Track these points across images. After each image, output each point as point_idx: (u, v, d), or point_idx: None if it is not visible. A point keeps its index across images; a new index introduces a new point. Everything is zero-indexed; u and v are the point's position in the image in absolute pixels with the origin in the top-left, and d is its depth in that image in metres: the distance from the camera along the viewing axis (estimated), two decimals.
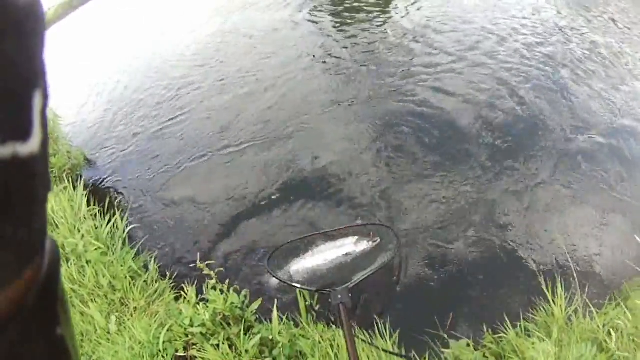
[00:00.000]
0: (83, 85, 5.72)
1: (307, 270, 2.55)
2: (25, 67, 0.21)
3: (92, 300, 2.64)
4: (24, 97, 0.21)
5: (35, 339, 0.24)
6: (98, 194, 3.40)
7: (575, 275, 2.53)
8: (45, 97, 0.23)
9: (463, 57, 4.61)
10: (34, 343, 0.24)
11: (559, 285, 2.42)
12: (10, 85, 0.20)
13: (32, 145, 0.22)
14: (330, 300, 1.98)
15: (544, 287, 2.44)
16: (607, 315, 2.40)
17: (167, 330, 2.32)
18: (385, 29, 5.33)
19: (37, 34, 0.22)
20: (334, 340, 2.15)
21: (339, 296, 1.94)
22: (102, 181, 3.69)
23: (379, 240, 2.61)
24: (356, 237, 2.65)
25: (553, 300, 2.39)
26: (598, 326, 2.29)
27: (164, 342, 2.30)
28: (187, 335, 2.29)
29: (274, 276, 2.40)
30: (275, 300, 2.37)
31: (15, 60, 0.20)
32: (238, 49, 5.40)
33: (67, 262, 2.75)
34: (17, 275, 0.22)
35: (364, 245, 2.62)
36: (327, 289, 2.13)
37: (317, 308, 2.45)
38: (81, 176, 3.66)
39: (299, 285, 2.31)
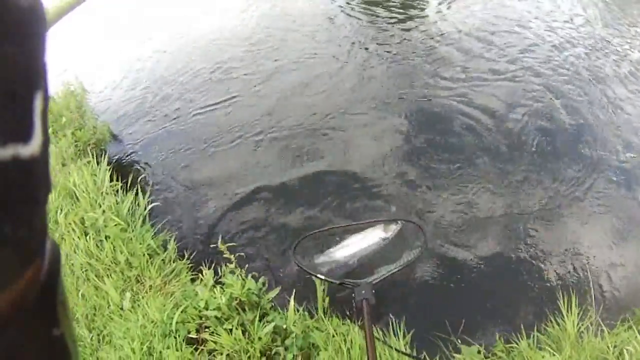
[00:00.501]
0: (121, 62, 5.70)
1: (332, 261, 2.56)
2: (26, 69, 0.21)
3: (107, 275, 2.67)
4: (25, 98, 0.21)
5: (35, 339, 0.25)
6: (121, 170, 3.43)
7: (592, 292, 2.52)
8: (45, 98, 0.23)
9: (506, 62, 4.58)
10: (34, 342, 0.25)
11: (573, 300, 2.40)
12: (11, 87, 0.20)
13: (32, 147, 0.22)
14: (353, 295, 1.97)
15: (559, 300, 2.44)
16: (618, 336, 2.38)
17: (182, 312, 2.34)
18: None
19: (38, 35, 0.22)
20: (347, 335, 2.15)
21: (363, 291, 1.92)
22: (127, 157, 3.71)
23: (403, 235, 2.60)
24: (382, 232, 2.65)
25: (566, 315, 2.38)
26: (608, 346, 2.27)
27: (177, 323, 2.32)
28: (200, 318, 2.31)
29: (299, 265, 2.39)
30: (293, 290, 2.38)
31: (16, 62, 0.20)
32: (285, 36, 5.36)
33: (86, 236, 2.79)
34: (18, 276, 0.22)
35: (390, 240, 2.62)
36: (352, 283, 2.12)
37: (333, 301, 2.45)
38: (105, 151, 3.69)
39: (323, 277, 2.29)
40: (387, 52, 4.79)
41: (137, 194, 3.03)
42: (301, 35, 5.29)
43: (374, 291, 1.97)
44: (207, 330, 2.30)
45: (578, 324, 2.39)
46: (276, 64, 4.71)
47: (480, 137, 3.65)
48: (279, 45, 5.06)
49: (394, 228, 2.70)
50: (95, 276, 2.68)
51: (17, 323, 0.23)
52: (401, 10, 5.69)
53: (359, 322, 2.22)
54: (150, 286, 2.57)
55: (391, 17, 5.55)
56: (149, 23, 6.65)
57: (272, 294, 2.28)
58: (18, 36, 0.20)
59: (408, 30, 5.24)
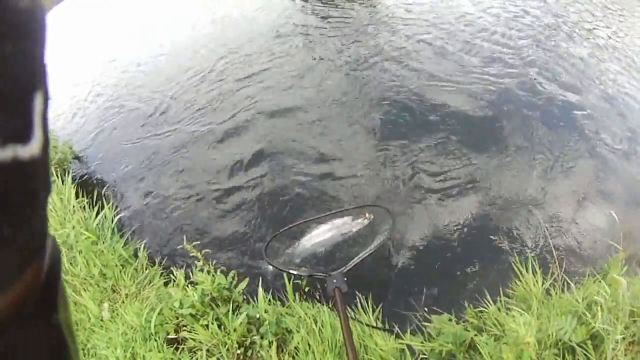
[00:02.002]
0: (79, 79, 5.67)
1: (303, 255, 2.62)
2: (25, 70, 0.21)
3: (84, 289, 2.70)
4: (24, 99, 0.21)
5: (35, 338, 0.25)
6: (86, 187, 3.45)
7: (553, 251, 2.61)
8: (45, 99, 0.23)
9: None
10: (34, 341, 0.25)
11: (533, 260, 2.49)
12: (10, 88, 0.20)
13: (32, 148, 0.22)
14: (325, 285, 2.02)
15: (521, 263, 2.52)
16: (586, 289, 2.45)
17: (158, 314, 2.38)
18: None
19: (38, 36, 0.22)
20: (318, 316, 2.22)
21: (334, 281, 1.97)
22: (90, 174, 3.74)
23: (372, 218, 2.66)
24: (350, 219, 2.71)
25: (529, 275, 2.47)
26: (577, 300, 2.35)
27: (155, 326, 2.36)
28: (177, 318, 2.36)
29: (271, 264, 2.43)
30: (260, 280, 2.44)
31: (15, 63, 0.20)
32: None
33: None
34: (18, 277, 0.22)
35: (359, 226, 2.68)
36: (322, 274, 2.17)
37: (302, 287, 2.52)
38: (68, 170, 3.67)
39: (295, 272, 2.35)
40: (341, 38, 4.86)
41: (103, 207, 3.06)
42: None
43: (346, 279, 2.03)
44: (185, 328, 2.35)
45: (543, 282, 2.47)
46: (234, 68, 4.75)
47: (435, 110, 3.76)
48: (244, 52, 5.10)
49: (363, 214, 2.76)
50: (73, 291, 2.70)
51: (18, 323, 0.22)
52: None
53: (333, 310, 2.28)
54: (126, 294, 2.60)
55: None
56: (110, 38, 6.62)
57: (242, 285, 2.34)
58: (17, 37, 0.20)
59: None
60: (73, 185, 3.30)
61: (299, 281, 2.51)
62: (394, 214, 2.72)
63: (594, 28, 5.14)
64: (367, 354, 2.12)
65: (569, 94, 3.99)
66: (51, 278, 0.25)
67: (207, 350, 2.24)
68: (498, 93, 3.93)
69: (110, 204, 3.15)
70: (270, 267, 2.64)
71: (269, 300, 2.39)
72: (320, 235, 2.72)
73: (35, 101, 0.22)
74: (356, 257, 2.30)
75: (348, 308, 2.34)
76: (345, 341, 1.61)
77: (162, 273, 2.73)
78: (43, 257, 0.24)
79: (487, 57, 4.44)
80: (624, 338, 2.08)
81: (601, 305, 2.28)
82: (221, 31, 5.66)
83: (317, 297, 2.45)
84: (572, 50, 4.65)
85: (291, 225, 2.62)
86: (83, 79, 5.50)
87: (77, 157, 3.97)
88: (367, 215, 2.75)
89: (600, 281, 2.46)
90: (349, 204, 3.04)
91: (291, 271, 2.35)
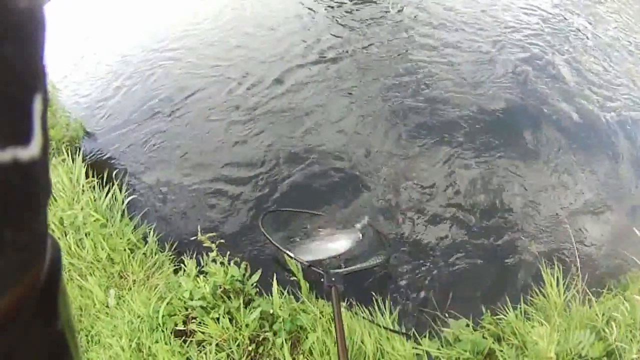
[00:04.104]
0: (91, 58, 5.58)
1: (304, 245, 2.55)
2: (25, 71, 0.21)
3: (90, 273, 2.62)
4: (24, 101, 0.21)
5: (35, 338, 0.24)
6: (97, 166, 3.36)
7: (577, 262, 2.53)
8: (45, 100, 0.23)
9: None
10: (34, 341, 0.24)
11: (557, 270, 2.42)
12: (10, 90, 0.20)
13: (32, 150, 0.22)
14: (322, 280, 1.98)
15: (543, 272, 2.45)
16: (605, 304, 2.40)
17: (167, 304, 2.31)
18: None
19: (38, 37, 0.22)
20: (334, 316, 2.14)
21: (333, 279, 1.93)
22: (101, 153, 3.64)
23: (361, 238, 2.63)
24: (354, 229, 2.66)
25: (552, 286, 2.40)
26: (597, 314, 2.29)
27: (163, 316, 2.29)
28: (186, 309, 2.28)
29: (266, 236, 2.39)
30: (275, 274, 2.35)
31: (15, 64, 0.20)
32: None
33: (66, 236, 2.73)
34: (18, 280, 0.22)
35: (360, 239, 2.63)
36: (322, 269, 2.13)
37: (316, 284, 2.44)
38: (80, 148, 3.61)
39: (292, 255, 2.28)
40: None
41: (113, 188, 2.97)
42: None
43: (342, 280, 1.99)
44: (194, 321, 2.28)
45: (564, 293, 2.41)
46: (247, 57, 4.64)
47: (449, 111, 3.64)
48: (250, 42, 4.98)
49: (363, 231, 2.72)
50: (79, 275, 2.63)
51: (17, 323, 0.22)
52: None
53: (348, 310, 2.24)
54: (134, 281, 2.53)
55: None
56: (121, 20, 6.51)
57: (255, 277, 2.26)
58: (17, 38, 0.20)
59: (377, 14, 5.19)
60: (83, 164, 3.22)
61: (311, 277, 2.42)
62: (392, 243, 2.68)
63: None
64: (384, 358, 2.04)
65: (599, 96, 3.88)
66: (51, 278, 0.25)
67: (217, 345, 2.17)
68: (526, 94, 3.83)
69: (121, 185, 3.06)
70: (278, 255, 2.56)
71: (282, 294, 2.30)
72: (322, 233, 2.67)
73: (36, 103, 0.22)
74: (354, 265, 2.27)
75: (364, 309, 2.28)
76: (337, 338, 1.59)
77: (172, 259, 2.65)
78: (43, 260, 0.24)
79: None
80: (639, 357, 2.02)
81: (619, 322, 2.24)
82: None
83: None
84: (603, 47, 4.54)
85: (294, 210, 2.57)
86: (100, 59, 5.39)
87: (88, 134, 3.88)
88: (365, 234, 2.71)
89: (620, 296, 2.42)
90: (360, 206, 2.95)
91: (289, 253, 2.28)
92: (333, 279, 1.94)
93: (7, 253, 0.21)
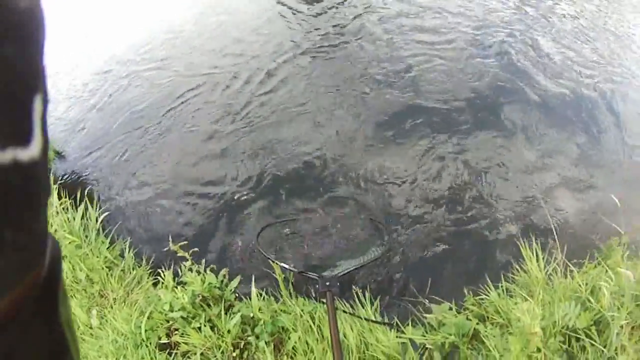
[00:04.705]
0: (62, 78, 5.43)
1: (296, 251, 2.55)
2: (25, 72, 0.21)
3: (71, 295, 2.59)
4: (24, 102, 0.21)
5: (35, 337, 0.25)
6: (69, 187, 3.30)
7: (555, 235, 2.55)
8: (45, 101, 0.23)
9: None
10: (34, 340, 0.25)
11: (535, 245, 2.44)
12: (10, 90, 0.20)
13: (32, 151, 0.22)
14: (317, 286, 1.96)
15: (522, 248, 2.46)
16: (587, 274, 2.41)
17: (148, 318, 2.29)
18: None
19: (38, 37, 0.22)
20: (315, 313, 2.14)
21: (327, 283, 1.91)
22: (73, 173, 3.58)
23: (369, 230, 2.61)
24: (347, 225, 2.65)
25: (531, 261, 2.41)
26: (579, 285, 2.30)
27: (146, 331, 2.27)
28: (168, 321, 2.26)
29: (263, 254, 2.38)
30: (254, 277, 2.34)
31: (15, 65, 0.20)
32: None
33: None
34: (18, 281, 0.22)
35: (356, 234, 2.63)
36: (315, 275, 2.11)
37: (296, 283, 2.43)
38: (51, 170, 3.53)
39: (287, 266, 2.28)
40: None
41: (86, 207, 2.94)
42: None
43: (338, 284, 1.97)
44: (176, 332, 2.26)
45: (545, 267, 2.42)
46: (217, 63, 4.59)
47: (418, 96, 3.65)
48: (221, 46, 4.92)
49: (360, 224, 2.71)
50: None
51: (18, 323, 0.23)
52: None
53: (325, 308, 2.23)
54: (114, 299, 2.50)
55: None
56: (98, 32, 6.36)
57: (234, 283, 2.25)
58: (17, 38, 0.20)
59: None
60: (55, 186, 3.17)
61: (286, 275, 2.41)
62: (390, 230, 2.66)
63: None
64: (368, 351, 2.04)
65: (577, 74, 3.92)
66: (51, 278, 0.25)
67: (202, 354, 2.15)
68: (494, 78, 3.85)
69: (95, 203, 3.03)
70: (261, 262, 2.56)
71: (262, 296, 2.29)
72: (314, 235, 2.67)
73: (35, 103, 0.22)
74: (350, 264, 2.26)
75: (345, 303, 2.28)
76: (332, 346, 1.57)
77: (150, 273, 2.62)
78: (43, 260, 0.24)
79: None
80: (628, 323, 2.04)
81: (604, 290, 2.25)
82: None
83: (313, 292, 2.37)
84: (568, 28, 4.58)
85: (285, 219, 2.56)
86: (64, 70, 5.25)
87: (59, 155, 3.82)
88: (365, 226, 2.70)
89: (602, 265, 2.43)
90: (345, 204, 2.93)
91: (283, 265, 2.27)
92: (328, 283, 1.93)
93: (8, 253, 0.21)
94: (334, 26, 4.74)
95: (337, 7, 5.10)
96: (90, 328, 2.51)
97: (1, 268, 0.21)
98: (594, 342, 1.98)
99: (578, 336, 2.04)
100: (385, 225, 2.67)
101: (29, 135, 0.22)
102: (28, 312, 0.23)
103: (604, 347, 1.98)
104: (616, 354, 1.96)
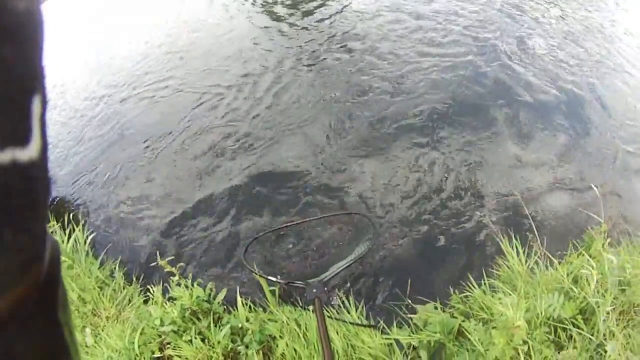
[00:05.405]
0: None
1: (281, 261, 2.58)
2: (24, 72, 0.21)
3: None
4: (22, 102, 0.21)
5: (35, 338, 0.25)
6: (56, 211, 3.36)
7: (534, 228, 2.60)
8: (44, 102, 0.23)
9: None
10: (34, 341, 0.25)
11: (515, 240, 2.48)
12: (8, 91, 0.20)
13: (31, 151, 0.22)
14: (305, 294, 1.96)
15: (502, 243, 2.51)
16: (569, 264, 2.45)
17: (140, 334, 2.33)
18: None
19: (37, 38, 0.22)
20: (301, 320, 2.19)
21: (314, 290, 1.91)
22: (61, 197, 3.63)
23: (354, 227, 2.64)
24: (331, 227, 2.68)
25: (512, 256, 2.46)
26: (562, 275, 2.34)
27: (139, 346, 2.31)
28: (160, 336, 2.31)
29: (249, 269, 2.39)
30: (240, 289, 2.40)
31: (14, 65, 0.20)
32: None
33: None
34: (18, 281, 0.22)
35: (340, 234, 2.66)
36: (302, 282, 2.12)
37: (283, 292, 2.48)
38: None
39: (273, 279, 2.28)
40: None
41: (75, 230, 2.98)
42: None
43: (325, 288, 1.97)
44: (169, 346, 2.30)
45: (526, 261, 2.46)
46: (200, 76, 4.64)
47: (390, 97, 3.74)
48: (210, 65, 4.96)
49: (342, 221, 2.73)
50: None
51: (17, 323, 0.23)
52: None
53: (314, 312, 2.24)
54: (107, 317, 2.55)
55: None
56: (76, 52, 6.37)
57: (221, 296, 2.30)
58: (15, 39, 0.20)
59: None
60: None
61: (274, 287, 2.46)
62: (375, 223, 2.66)
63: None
64: (355, 353, 2.09)
65: (563, 70, 3.99)
66: (51, 278, 0.25)
67: None
68: (471, 73, 3.92)
69: (83, 225, 3.08)
70: (247, 274, 2.60)
71: (250, 308, 2.34)
72: (298, 242, 2.70)
73: (34, 104, 0.22)
74: (335, 266, 2.26)
75: (330, 308, 2.32)
76: (324, 352, 1.56)
77: (140, 291, 2.67)
78: (43, 261, 0.25)
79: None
80: (614, 309, 2.07)
81: (587, 279, 2.28)
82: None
83: (299, 300, 2.41)
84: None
85: (270, 230, 2.59)
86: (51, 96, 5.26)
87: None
88: (347, 223, 2.72)
89: (583, 254, 2.46)
90: (329, 209, 2.98)
91: (269, 277, 2.30)
92: (314, 290, 1.87)
93: (7, 253, 0.21)
94: (329, 37, 4.81)
95: (330, 18, 5.16)
96: (86, 346, 2.55)
97: (1, 268, 0.21)
98: (581, 331, 2.01)
99: (564, 326, 2.07)
100: (370, 218, 2.64)
101: (28, 135, 0.22)
102: (28, 312, 0.23)
103: (592, 334, 2.00)
104: (605, 339, 1.98)
